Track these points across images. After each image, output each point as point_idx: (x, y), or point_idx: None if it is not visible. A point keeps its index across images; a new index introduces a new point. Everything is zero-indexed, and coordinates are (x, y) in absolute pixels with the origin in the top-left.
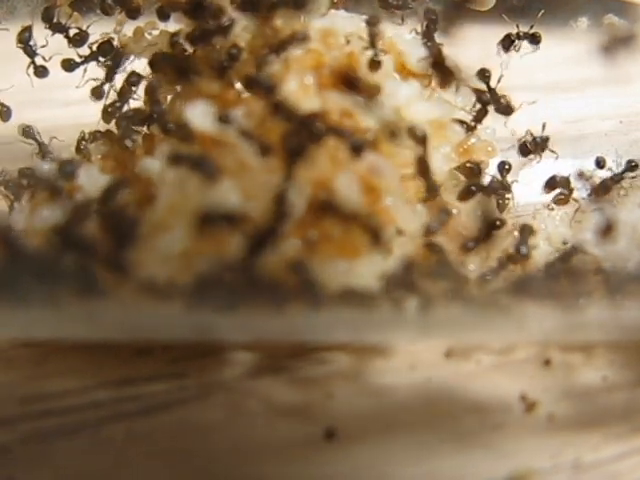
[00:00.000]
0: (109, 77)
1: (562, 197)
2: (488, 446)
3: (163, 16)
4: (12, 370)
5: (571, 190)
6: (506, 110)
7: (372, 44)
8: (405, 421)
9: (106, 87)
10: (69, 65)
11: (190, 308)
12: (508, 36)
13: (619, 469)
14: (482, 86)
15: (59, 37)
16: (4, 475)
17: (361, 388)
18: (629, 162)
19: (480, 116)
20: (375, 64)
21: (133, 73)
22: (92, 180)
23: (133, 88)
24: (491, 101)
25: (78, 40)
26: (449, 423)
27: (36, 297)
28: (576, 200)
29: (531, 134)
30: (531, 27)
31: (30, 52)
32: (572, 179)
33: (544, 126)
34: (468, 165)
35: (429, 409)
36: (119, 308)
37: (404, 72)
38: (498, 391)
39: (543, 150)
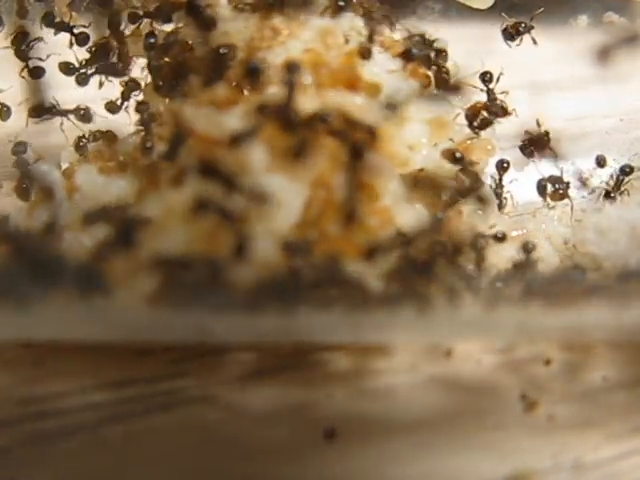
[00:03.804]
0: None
1: (558, 192)
2: (488, 446)
3: (163, 17)
4: (11, 371)
5: (566, 185)
6: (502, 111)
7: (370, 39)
8: (405, 421)
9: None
10: (67, 69)
11: (189, 309)
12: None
13: (620, 469)
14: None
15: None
16: (5, 477)
17: (361, 388)
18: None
19: (484, 124)
20: (365, 52)
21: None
22: (90, 180)
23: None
24: (487, 101)
25: (82, 39)
26: (449, 423)
27: (35, 298)
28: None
29: (527, 132)
30: (531, 19)
31: (23, 55)
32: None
33: (538, 122)
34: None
35: (429, 409)
36: (119, 309)
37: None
38: (498, 391)
39: (545, 146)
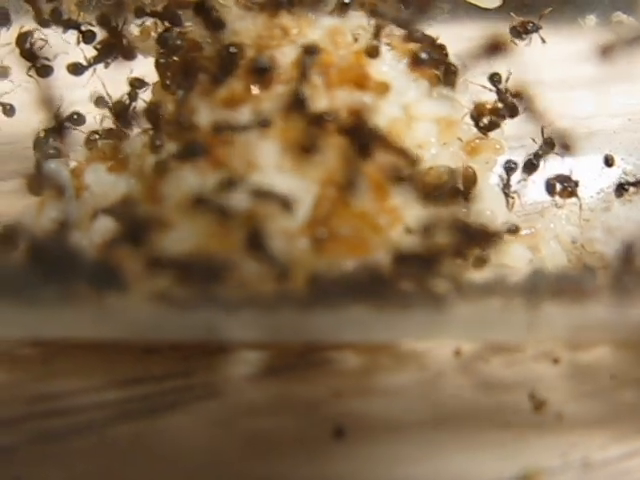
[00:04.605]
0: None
1: (567, 191)
2: (496, 445)
3: (169, 17)
4: (19, 370)
5: (575, 183)
6: (512, 111)
7: (376, 36)
8: (413, 420)
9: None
10: (75, 69)
11: (198, 307)
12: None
13: (628, 468)
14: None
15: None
16: (10, 475)
17: (369, 387)
18: None
19: (491, 126)
20: (373, 50)
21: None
22: (99, 179)
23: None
24: (497, 101)
25: (90, 36)
26: (457, 422)
27: (45, 296)
28: None
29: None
30: (539, 19)
31: (30, 55)
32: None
33: (542, 130)
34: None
35: (437, 408)
36: (128, 307)
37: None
38: (507, 390)
39: (552, 148)
